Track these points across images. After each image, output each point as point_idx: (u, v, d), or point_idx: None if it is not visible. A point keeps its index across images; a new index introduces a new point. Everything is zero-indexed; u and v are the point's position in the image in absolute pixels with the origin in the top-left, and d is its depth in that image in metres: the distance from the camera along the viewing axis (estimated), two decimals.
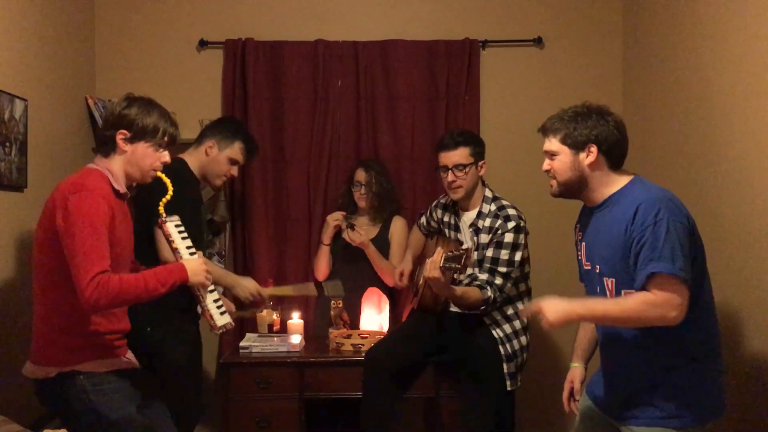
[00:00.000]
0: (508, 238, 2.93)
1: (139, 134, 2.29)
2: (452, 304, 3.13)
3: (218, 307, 2.44)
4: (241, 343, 3.29)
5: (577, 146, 2.12)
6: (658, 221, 1.97)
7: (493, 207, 3.04)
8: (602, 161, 2.13)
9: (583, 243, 2.24)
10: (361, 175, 3.53)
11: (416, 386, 3.15)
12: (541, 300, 2.06)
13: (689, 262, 1.99)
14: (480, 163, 3.06)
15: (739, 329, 2.66)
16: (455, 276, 2.71)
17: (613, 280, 2.09)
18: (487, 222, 3.01)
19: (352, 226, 3.47)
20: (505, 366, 2.97)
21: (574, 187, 2.17)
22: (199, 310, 2.47)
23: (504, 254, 2.93)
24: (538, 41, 3.84)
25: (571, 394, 2.41)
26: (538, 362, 3.57)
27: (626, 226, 2.02)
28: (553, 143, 2.17)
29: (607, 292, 2.11)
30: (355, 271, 3.55)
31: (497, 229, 2.97)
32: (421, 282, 3.25)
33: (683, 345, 2.04)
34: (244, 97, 3.75)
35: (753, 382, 2.58)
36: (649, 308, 1.96)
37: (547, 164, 2.20)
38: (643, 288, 1.97)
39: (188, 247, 2.39)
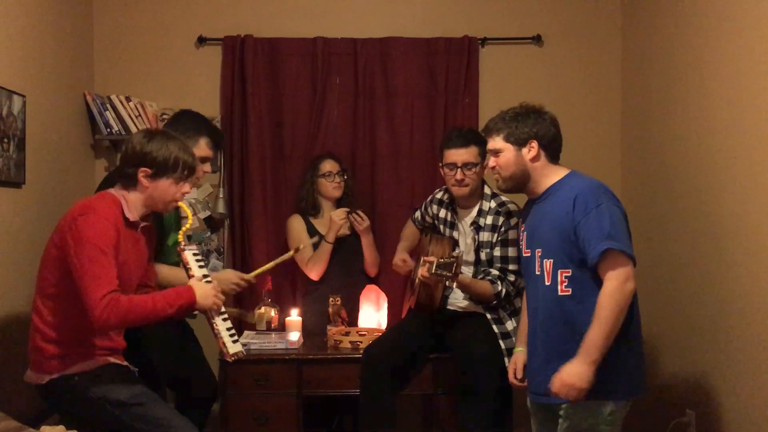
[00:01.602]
0: (513, 234, 2.94)
1: (160, 171, 2.34)
2: (449, 303, 3.14)
3: (231, 335, 2.46)
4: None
5: (520, 143, 2.38)
6: (600, 205, 2.23)
7: (493, 204, 3.04)
8: (542, 155, 2.38)
9: (525, 233, 2.47)
10: (332, 165, 3.54)
11: (414, 383, 3.16)
12: (555, 384, 2.21)
13: (629, 240, 2.25)
14: (485, 163, 3.07)
15: (740, 328, 2.66)
16: (447, 283, 2.74)
17: (551, 261, 2.31)
18: (489, 219, 3.01)
19: (355, 211, 3.47)
20: (506, 360, 2.96)
21: (519, 181, 2.41)
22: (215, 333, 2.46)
23: (512, 251, 2.94)
24: (537, 39, 3.84)
25: (515, 376, 2.60)
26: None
27: (567, 211, 2.26)
28: (497, 141, 2.41)
29: (545, 273, 2.32)
30: (350, 268, 3.55)
31: (500, 227, 2.97)
32: (417, 281, 3.26)
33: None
34: (242, 94, 3.75)
35: (751, 382, 2.58)
36: (616, 297, 2.17)
37: (492, 161, 2.44)
38: (597, 265, 2.19)
39: (204, 276, 2.44)
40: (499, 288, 2.91)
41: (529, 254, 2.42)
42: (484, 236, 3.01)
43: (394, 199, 3.77)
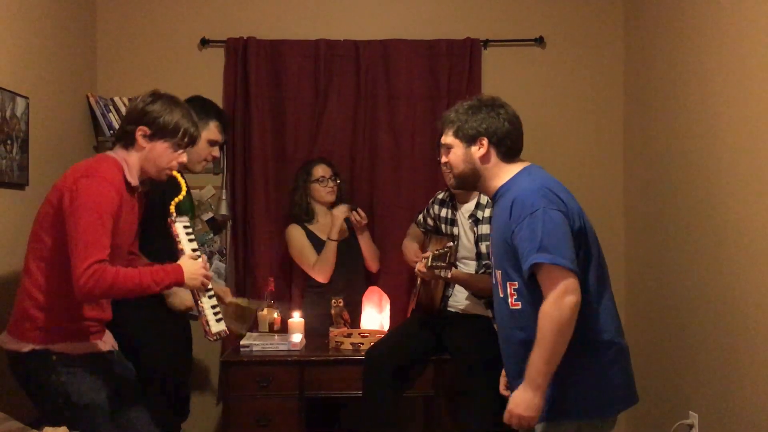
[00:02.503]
0: None
1: (159, 132, 2.29)
2: (450, 305, 3.14)
3: (215, 314, 2.41)
4: (242, 342, 3.29)
5: (469, 139, 2.20)
6: (534, 212, 2.01)
7: None
8: (493, 153, 2.19)
9: (491, 236, 2.32)
10: (324, 170, 3.54)
11: (416, 385, 3.16)
12: (506, 415, 2.07)
13: (570, 248, 2.00)
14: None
15: (743, 330, 2.65)
16: (442, 273, 2.73)
17: (500, 272, 2.16)
18: (487, 212, 3.03)
19: (355, 208, 3.48)
20: None
21: (469, 180, 2.24)
22: (196, 313, 2.46)
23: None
24: (539, 41, 3.84)
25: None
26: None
27: (506, 219, 2.08)
28: (448, 137, 2.25)
29: (498, 284, 2.18)
30: (352, 269, 3.55)
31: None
32: (418, 282, 3.26)
33: (575, 338, 2.01)
34: (245, 96, 3.75)
35: (755, 384, 2.58)
36: (553, 316, 1.96)
37: (444, 157, 2.29)
38: (530, 278, 2.01)
39: (194, 250, 2.39)
40: None
41: (491, 261, 2.28)
42: (483, 229, 3.02)
43: (394, 201, 3.76)
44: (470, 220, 3.08)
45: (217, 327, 2.41)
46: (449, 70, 3.76)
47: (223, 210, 3.67)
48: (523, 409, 2.01)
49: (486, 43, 3.81)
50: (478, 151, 2.19)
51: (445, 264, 2.65)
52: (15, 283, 2.83)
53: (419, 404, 3.52)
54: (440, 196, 3.27)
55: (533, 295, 2.05)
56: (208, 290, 2.40)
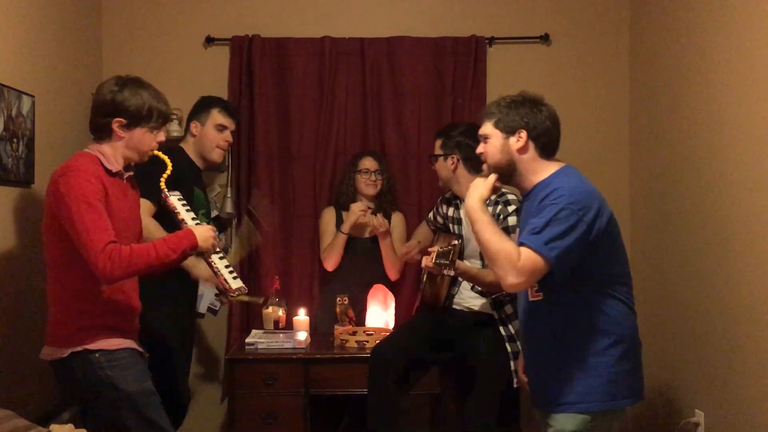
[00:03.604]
0: (512, 221, 2.95)
1: (134, 120, 2.30)
2: (455, 303, 3.14)
3: (230, 272, 2.48)
4: (247, 340, 3.29)
5: (508, 131, 2.25)
6: (553, 203, 2.09)
7: (493, 195, 3.05)
8: (531, 147, 2.24)
9: (518, 228, 2.40)
10: (370, 162, 3.55)
11: (421, 383, 3.16)
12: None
13: (564, 248, 2.05)
14: (450, 157, 3.12)
15: (750, 328, 2.65)
16: (445, 271, 2.74)
17: None
18: (489, 210, 3.02)
19: (375, 213, 3.48)
20: (512, 363, 2.96)
21: (504, 171, 2.28)
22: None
23: (514, 238, 2.93)
24: (545, 38, 3.83)
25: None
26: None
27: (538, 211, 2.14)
28: (487, 127, 2.30)
29: None
30: (361, 268, 3.55)
31: (499, 215, 2.98)
32: (424, 279, 3.26)
33: (582, 330, 2.15)
34: (250, 94, 3.75)
35: (761, 383, 2.57)
36: (502, 259, 2.07)
37: (481, 147, 2.34)
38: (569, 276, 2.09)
39: (193, 218, 2.43)
40: None
41: None
42: None
43: (402, 198, 3.76)
44: None
45: (236, 284, 2.48)
46: (454, 67, 3.75)
47: (228, 208, 3.68)
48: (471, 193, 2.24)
49: (491, 40, 3.80)
50: (516, 143, 2.24)
51: (448, 261, 2.66)
52: (22, 277, 2.85)
53: (425, 402, 3.51)
54: (447, 195, 3.28)
55: (557, 286, 2.13)
56: (217, 252, 2.45)
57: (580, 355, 2.15)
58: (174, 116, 3.43)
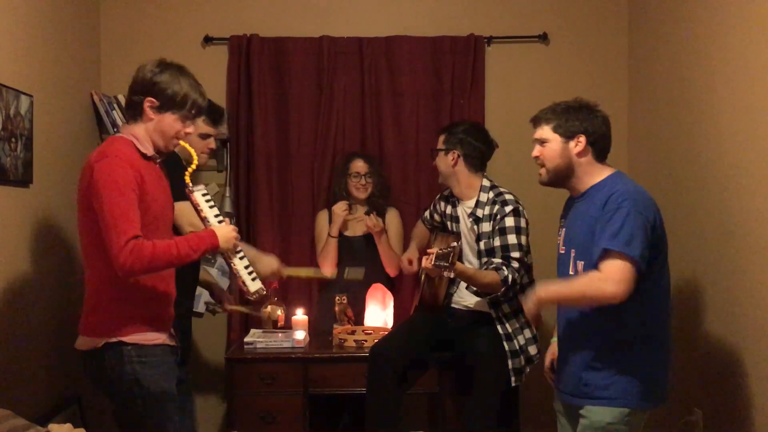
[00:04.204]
0: (509, 222, 2.95)
1: (167, 104, 2.27)
2: (453, 302, 3.14)
3: (250, 274, 2.46)
4: (246, 339, 3.30)
5: (568, 135, 2.32)
6: (621, 207, 2.18)
7: (491, 194, 3.06)
8: (589, 151, 2.33)
9: (564, 229, 2.44)
10: (360, 165, 3.54)
11: (420, 382, 3.16)
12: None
13: (643, 248, 2.16)
14: (451, 153, 3.11)
15: (748, 326, 2.65)
16: (445, 273, 2.74)
17: (583, 262, 2.28)
18: (487, 210, 3.03)
19: (368, 213, 3.48)
20: (509, 362, 2.97)
21: (562, 174, 2.36)
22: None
23: (511, 239, 2.95)
24: (543, 37, 3.83)
25: (552, 367, 2.55)
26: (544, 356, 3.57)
27: (597, 212, 2.24)
28: (545, 131, 2.36)
29: (578, 274, 2.29)
30: (358, 267, 3.55)
31: (496, 215, 2.99)
32: (422, 279, 3.26)
33: (631, 328, 2.23)
34: (248, 93, 3.75)
35: (759, 382, 2.57)
36: (591, 285, 2.18)
37: (537, 150, 2.39)
38: (597, 263, 2.17)
39: (216, 215, 2.40)
40: (506, 273, 2.90)
41: (564, 252, 2.39)
42: (484, 227, 3.02)
43: (400, 197, 3.76)
44: (470, 219, 3.08)
45: (254, 286, 2.46)
46: (453, 66, 3.76)
47: (227, 207, 3.67)
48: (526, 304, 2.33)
49: (490, 39, 3.80)
50: (575, 147, 2.31)
51: (447, 263, 2.66)
52: (21, 278, 2.85)
53: (423, 401, 3.52)
54: (445, 192, 3.28)
55: None
56: (238, 252, 2.43)
57: (625, 352, 2.23)
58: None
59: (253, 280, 2.46)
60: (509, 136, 3.78)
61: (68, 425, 2.25)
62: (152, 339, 2.27)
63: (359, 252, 3.56)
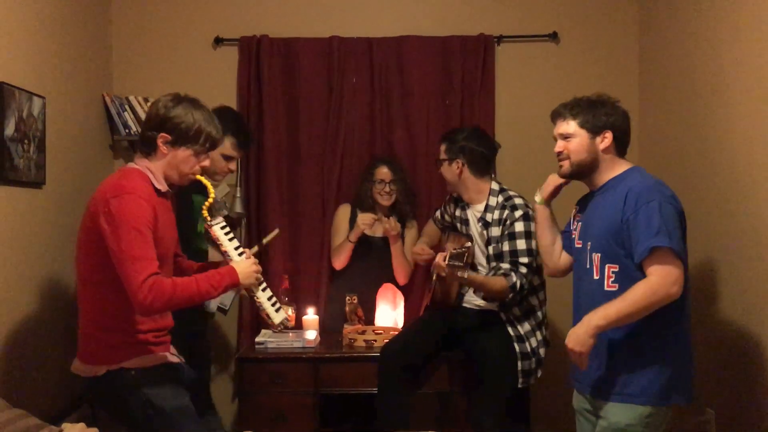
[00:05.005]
0: (519, 227, 2.94)
1: (180, 139, 2.26)
2: (465, 301, 3.14)
3: (273, 305, 2.45)
4: (257, 339, 3.31)
5: (595, 130, 2.32)
6: (651, 201, 2.16)
7: (500, 198, 3.05)
8: (613, 147, 2.33)
9: (580, 222, 2.43)
10: (385, 173, 3.51)
11: (430, 382, 3.16)
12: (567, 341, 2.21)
13: (682, 240, 2.18)
14: (455, 162, 3.10)
15: (760, 326, 2.63)
16: (459, 273, 2.73)
17: (599, 255, 2.27)
18: (496, 214, 3.02)
19: (388, 216, 3.48)
20: (519, 364, 2.96)
21: (586, 168, 2.35)
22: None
23: (521, 244, 2.94)
24: (553, 36, 3.82)
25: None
26: (555, 357, 3.55)
27: (618, 207, 2.21)
28: (570, 125, 2.35)
29: (594, 266, 2.29)
30: (369, 268, 3.56)
31: (506, 220, 2.98)
32: (434, 278, 3.26)
33: (653, 324, 2.19)
34: (258, 94, 3.76)
35: (766, 380, 2.56)
36: (654, 291, 2.12)
37: (561, 145, 2.37)
38: (643, 261, 2.14)
39: (236, 248, 2.40)
40: (514, 279, 2.90)
41: (580, 246, 2.38)
42: (493, 231, 3.02)
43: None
44: (480, 223, 3.07)
45: (278, 317, 2.46)
46: (463, 66, 3.75)
47: (238, 208, 3.69)
48: (575, 344, 2.16)
49: (500, 39, 3.80)
50: (601, 142, 2.31)
51: (462, 264, 2.66)
52: (33, 279, 2.87)
53: (434, 401, 3.51)
54: (455, 194, 3.27)
55: (634, 278, 2.17)
56: (261, 283, 2.42)
57: (647, 349, 2.21)
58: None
59: (277, 311, 2.46)
60: (519, 135, 3.78)
61: (81, 425, 2.26)
62: (153, 360, 2.27)
63: (375, 252, 3.55)
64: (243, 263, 2.34)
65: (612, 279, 2.24)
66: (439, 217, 3.41)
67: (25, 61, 2.85)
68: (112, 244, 2.11)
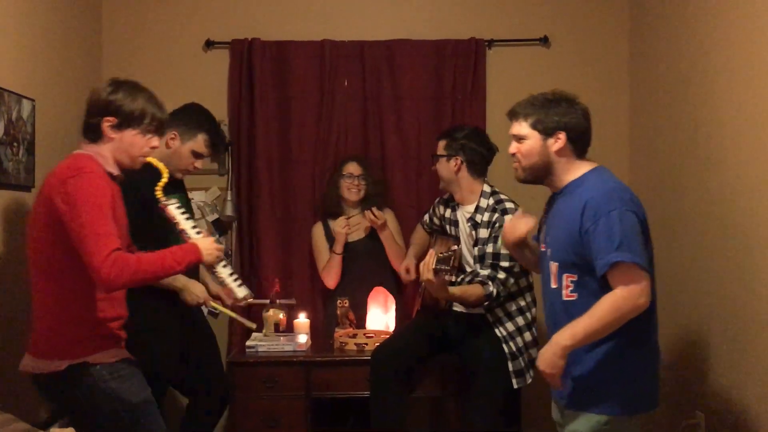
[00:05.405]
0: None
1: (125, 121, 2.24)
2: (454, 305, 3.14)
3: (235, 281, 2.47)
4: (248, 343, 3.30)
5: (547, 132, 2.18)
6: (611, 211, 2.04)
7: (491, 201, 3.05)
8: (568, 149, 2.19)
9: (544, 226, 2.32)
10: (354, 167, 3.54)
11: (422, 385, 3.16)
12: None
13: (644, 250, 2.06)
14: (454, 159, 3.09)
15: (750, 329, 2.65)
16: (446, 277, 2.73)
17: (557, 264, 2.17)
18: (486, 216, 3.02)
19: (369, 208, 3.48)
20: (510, 364, 2.97)
21: (539, 172, 2.22)
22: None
23: (505, 248, 2.93)
24: (544, 40, 3.83)
25: None
26: None
27: (576, 216, 2.09)
28: (523, 127, 2.22)
29: (551, 275, 2.20)
30: (361, 270, 3.55)
31: (495, 223, 2.98)
32: (422, 282, 3.26)
33: (622, 331, 2.07)
34: (250, 97, 3.76)
35: (762, 385, 2.57)
36: (621, 304, 2.02)
37: (514, 147, 2.25)
38: (605, 274, 2.03)
39: (193, 227, 2.39)
40: (491, 289, 2.90)
41: (544, 249, 2.28)
42: (481, 233, 3.02)
43: (402, 201, 3.77)
44: (469, 224, 3.08)
45: (241, 292, 2.47)
46: (454, 70, 3.76)
47: (229, 211, 3.68)
48: (545, 365, 2.07)
49: (491, 43, 3.81)
50: (554, 144, 2.18)
51: (448, 267, 2.65)
52: (22, 282, 2.84)
53: (426, 405, 3.52)
54: (445, 196, 3.28)
55: (593, 288, 2.09)
56: (221, 260, 2.42)
57: (604, 357, 2.10)
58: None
59: (240, 286, 2.47)
60: (510, 139, 3.77)
61: (70, 429, 2.25)
62: (115, 355, 2.25)
63: (362, 253, 3.55)
64: (204, 240, 2.33)
65: (570, 288, 2.14)
66: (428, 220, 3.41)
67: (15, 64, 2.84)
68: (72, 222, 2.08)
